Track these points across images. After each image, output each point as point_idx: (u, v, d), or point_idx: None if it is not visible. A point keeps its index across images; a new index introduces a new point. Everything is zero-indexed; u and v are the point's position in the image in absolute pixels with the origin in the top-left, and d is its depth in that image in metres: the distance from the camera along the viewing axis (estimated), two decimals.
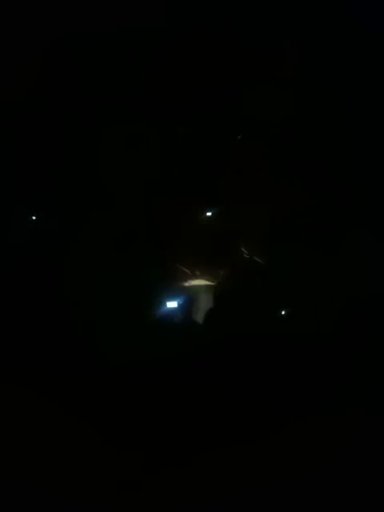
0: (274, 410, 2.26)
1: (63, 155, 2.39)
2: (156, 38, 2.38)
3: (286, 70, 2.36)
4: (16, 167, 2.40)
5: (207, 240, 2.41)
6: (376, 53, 2.34)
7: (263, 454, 2.20)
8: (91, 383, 2.26)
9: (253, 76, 2.36)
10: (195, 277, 2.40)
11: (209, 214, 2.40)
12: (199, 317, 2.37)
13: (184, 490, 2.15)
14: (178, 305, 2.37)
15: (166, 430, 2.25)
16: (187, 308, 2.37)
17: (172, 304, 2.36)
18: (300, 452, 2.20)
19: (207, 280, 2.41)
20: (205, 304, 2.38)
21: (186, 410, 2.25)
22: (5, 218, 2.38)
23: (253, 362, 2.30)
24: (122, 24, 2.36)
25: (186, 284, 2.39)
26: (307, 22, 2.35)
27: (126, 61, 2.40)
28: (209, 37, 2.36)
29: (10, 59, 2.36)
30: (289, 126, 2.37)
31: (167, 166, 2.38)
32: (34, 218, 2.40)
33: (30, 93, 2.39)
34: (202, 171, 2.39)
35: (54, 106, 2.39)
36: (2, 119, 2.40)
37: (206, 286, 2.40)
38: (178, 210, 2.37)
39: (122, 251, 2.35)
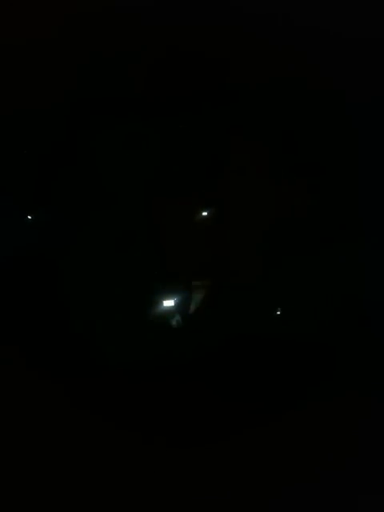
0: (274, 409, 2.27)
1: (63, 155, 2.39)
2: (156, 36, 2.38)
3: (286, 70, 2.36)
4: (16, 167, 2.40)
5: (207, 239, 2.41)
6: (377, 52, 2.34)
7: (263, 454, 2.21)
8: (91, 383, 2.27)
9: (253, 76, 2.36)
10: (195, 276, 2.40)
11: (209, 213, 2.41)
12: (199, 316, 2.37)
13: (184, 488, 2.15)
14: (178, 304, 2.37)
15: (166, 429, 2.26)
16: (187, 308, 2.37)
17: (171, 304, 2.37)
18: (299, 450, 2.21)
19: (207, 280, 2.41)
20: (204, 304, 2.38)
21: (185, 409, 2.25)
22: (5, 218, 2.38)
23: (253, 361, 2.30)
24: (121, 23, 2.35)
25: (186, 284, 2.40)
26: (307, 21, 2.35)
27: (125, 60, 2.40)
28: (209, 36, 2.35)
29: (8, 59, 2.35)
30: (289, 126, 2.37)
31: (167, 166, 2.38)
32: (33, 218, 2.40)
33: (30, 93, 2.38)
34: (201, 171, 2.39)
35: (53, 106, 2.39)
36: (1, 119, 2.40)
37: (206, 285, 2.40)
38: (177, 210, 2.37)
39: (122, 251, 2.35)
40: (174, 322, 2.35)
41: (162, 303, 2.36)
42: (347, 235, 2.36)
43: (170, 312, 2.36)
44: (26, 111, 2.39)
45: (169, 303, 2.36)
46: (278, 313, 2.35)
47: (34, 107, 2.39)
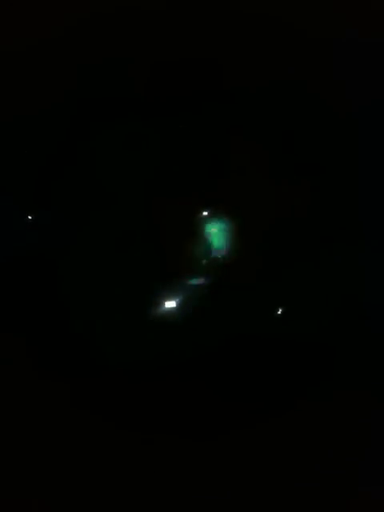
0: (273, 409, 2.27)
1: (63, 155, 2.38)
2: (156, 37, 2.37)
3: (286, 71, 2.36)
4: (16, 167, 2.40)
5: (207, 239, 2.41)
6: (377, 54, 2.35)
7: (262, 453, 2.21)
8: (91, 383, 2.26)
9: (253, 77, 2.36)
10: (195, 276, 2.40)
11: (209, 213, 2.41)
12: (199, 316, 2.37)
13: (184, 487, 2.15)
14: (178, 304, 2.37)
15: (166, 428, 2.26)
16: (186, 307, 2.37)
17: (171, 303, 2.37)
18: (298, 449, 2.21)
19: (207, 279, 2.41)
20: (204, 304, 2.38)
21: (185, 408, 2.25)
22: (5, 218, 2.38)
23: (253, 361, 2.30)
24: (122, 24, 2.35)
25: (186, 283, 2.40)
26: (306, 23, 2.35)
27: (125, 61, 2.39)
28: (209, 37, 2.35)
29: (10, 59, 2.35)
30: (289, 126, 2.38)
31: (167, 166, 2.38)
32: (34, 218, 2.40)
33: (30, 93, 2.38)
34: (201, 171, 2.39)
35: (54, 107, 2.39)
36: (2, 119, 2.40)
37: (206, 285, 2.40)
38: (177, 210, 2.37)
39: (122, 251, 2.35)
40: (173, 322, 2.35)
41: (162, 303, 2.36)
42: (347, 235, 2.36)
43: (169, 312, 2.36)
44: (27, 112, 2.39)
45: (169, 303, 2.36)
46: (279, 313, 2.35)
47: (34, 108, 2.39)
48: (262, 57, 2.36)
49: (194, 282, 2.40)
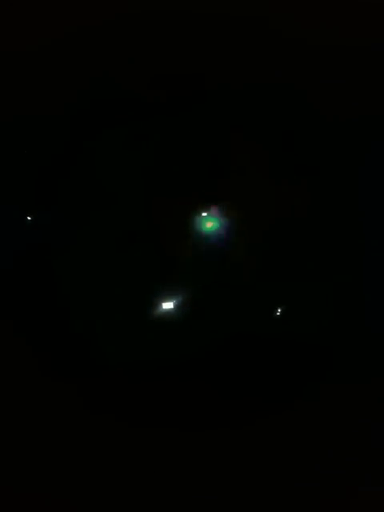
0: (272, 409, 2.27)
1: (63, 155, 2.39)
2: (156, 37, 2.38)
3: (286, 71, 2.37)
4: (16, 167, 2.40)
5: (206, 239, 2.41)
6: (378, 56, 2.35)
7: (262, 453, 2.21)
8: (91, 383, 2.27)
9: (254, 76, 2.36)
10: (194, 276, 2.41)
11: (209, 213, 2.41)
12: (199, 316, 2.37)
13: (184, 487, 2.16)
14: (177, 304, 2.37)
15: (166, 429, 2.26)
16: (186, 307, 2.37)
17: (171, 303, 2.37)
18: (298, 449, 2.21)
19: (206, 279, 2.41)
20: (204, 303, 2.38)
21: (186, 408, 2.26)
22: (5, 218, 2.38)
23: (252, 360, 2.31)
24: (123, 25, 2.36)
25: (186, 283, 2.40)
26: (308, 23, 2.35)
27: (125, 60, 2.40)
28: (210, 37, 2.36)
29: (9, 58, 2.35)
30: (289, 126, 2.38)
31: (167, 165, 2.39)
32: (34, 218, 2.40)
33: (30, 93, 2.38)
34: (201, 171, 2.40)
35: (54, 106, 2.39)
36: (2, 119, 2.40)
37: (206, 285, 2.40)
38: (177, 210, 2.38)
39: (122, 251, 2.35)
40: (174, 322, 2.35)
41: (162, 303, 2.36)
42: (347, 235, 2.37)
43: (169, 312, 2.36)
44: (27, 112, 2.39)
45: (169, 303, 2.36)
46: (278, 313, 2.36)
47: (34, 108, 2.39)
48: (263, 57, 2.36)
49: (194, 281, 2.40)
